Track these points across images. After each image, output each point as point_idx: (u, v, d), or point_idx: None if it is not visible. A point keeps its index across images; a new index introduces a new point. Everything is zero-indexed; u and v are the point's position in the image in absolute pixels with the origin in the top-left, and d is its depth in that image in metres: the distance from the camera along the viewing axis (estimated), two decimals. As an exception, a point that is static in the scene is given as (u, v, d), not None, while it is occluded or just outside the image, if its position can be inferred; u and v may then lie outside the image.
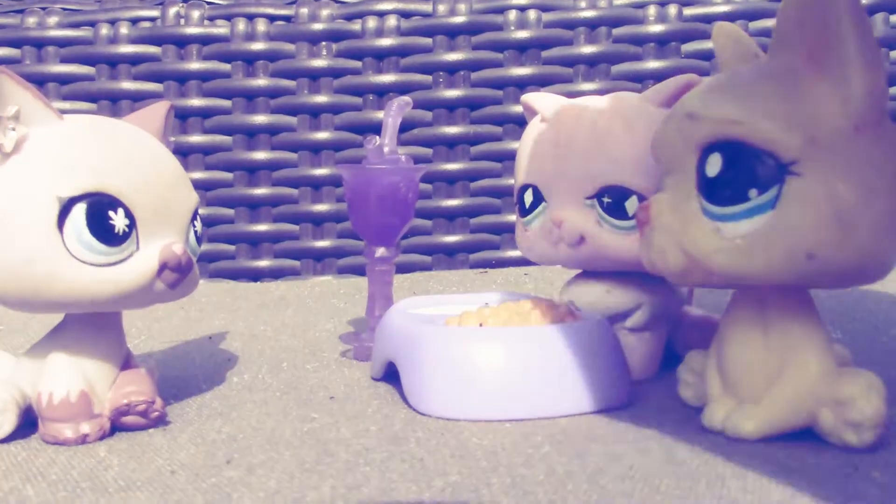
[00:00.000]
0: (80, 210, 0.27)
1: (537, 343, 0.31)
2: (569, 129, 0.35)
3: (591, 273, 0.38)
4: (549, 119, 0.37)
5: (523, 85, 0.76)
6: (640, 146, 0.33)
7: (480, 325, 0.33)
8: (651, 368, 0.36)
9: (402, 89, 0.77)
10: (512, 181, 0.75)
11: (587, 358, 0.31)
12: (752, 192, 0.25)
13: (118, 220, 0.28)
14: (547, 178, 0.36)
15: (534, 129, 0.38)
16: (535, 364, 0.31)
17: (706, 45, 0.75)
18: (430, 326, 0.34)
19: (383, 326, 0.36)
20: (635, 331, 0.36)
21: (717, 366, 0.29)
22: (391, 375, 0.35)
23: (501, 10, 0.77)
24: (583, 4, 0.76)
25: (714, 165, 0.26)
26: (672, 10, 0.76)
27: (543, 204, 0.37)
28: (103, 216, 0.28)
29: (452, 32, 0.77)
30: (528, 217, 0.37)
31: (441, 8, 0.78)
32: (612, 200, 0.34)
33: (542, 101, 0.38)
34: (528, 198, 0.37)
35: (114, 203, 0.28)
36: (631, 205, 0.34)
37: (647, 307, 0.36)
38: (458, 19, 0.77)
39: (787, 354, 0.27)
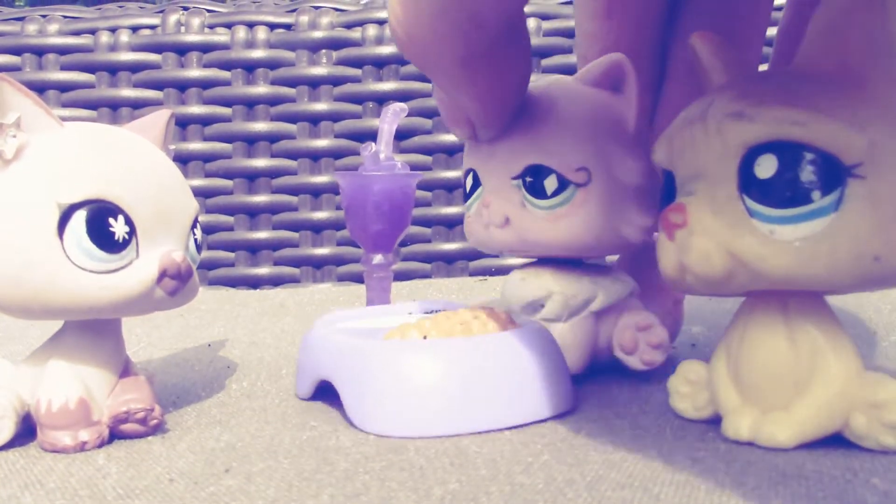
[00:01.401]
0: (80, 217, 0.28)
1: (486, 353, 0.31)
2: None
3: (534, 263, 0.37)
4: None
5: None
6: (563, 125, 0.33)
7: (424, 337, 0.32)
8: (575, 363, 0.35)
9: (401, 97, 0.77)
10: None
11: (534, 364, 0.31)
12: (815, 195, 0.24)
13: (118, 228, 0.28)
14: (482, 160, 0.36)
15: None
16: (486, 375, 0.30)
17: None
18: (373, 342, 0.32)
19: (311, 342, 0.35)
20: (549, 321, 0.35)
21: (731, 374, 0.28)
22: (322, 392, 0.34)
23: (501, 19, 0.77)
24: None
25: (767, 167, 0.25)
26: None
27: (481, 187, 0.36)
28: (103, 223, 0.28)
29: (452, 40, 0.78)
30: (469, 202, 0.37)
31: (440, 16, 0.78)
32: (534, 180, 0.34)
33: None
34: (469, 182, 0.37)
35: (114, 210, 0.28)
36: (550, 183, 0.34)
37: (560, 297, 0.35)
38: (458, 27, 0.77)
39: (816, 359, 0.26)
